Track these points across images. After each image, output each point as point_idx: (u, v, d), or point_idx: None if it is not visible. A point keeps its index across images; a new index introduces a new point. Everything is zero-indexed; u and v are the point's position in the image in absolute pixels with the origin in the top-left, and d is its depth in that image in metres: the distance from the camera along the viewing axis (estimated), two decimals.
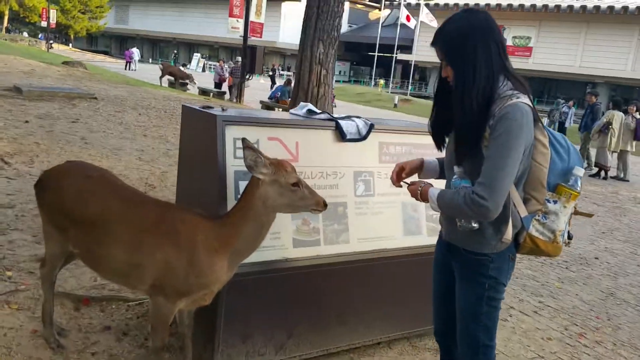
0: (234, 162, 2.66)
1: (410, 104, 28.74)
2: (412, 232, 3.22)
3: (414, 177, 2.36)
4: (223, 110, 2.88)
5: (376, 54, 45.65)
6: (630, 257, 6.10)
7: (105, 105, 10.32)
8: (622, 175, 12.06)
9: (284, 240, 2.76)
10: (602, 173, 11.98)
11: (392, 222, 3.15)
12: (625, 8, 38.69)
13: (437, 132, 2.21)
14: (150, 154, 7.10)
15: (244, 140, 2.29)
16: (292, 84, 18.13)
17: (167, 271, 2.26)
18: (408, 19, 39.54)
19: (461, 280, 2.11)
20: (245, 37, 16.18)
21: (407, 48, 48.76)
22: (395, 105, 27.72)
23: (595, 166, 12.26)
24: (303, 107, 3.18)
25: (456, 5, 43.95)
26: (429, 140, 3.36)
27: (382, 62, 50.02)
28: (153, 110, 10.74)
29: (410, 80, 47.47)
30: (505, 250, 2.01)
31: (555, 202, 1.96)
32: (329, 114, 3.02)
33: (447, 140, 2.20)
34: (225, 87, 21.20)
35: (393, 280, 3.15)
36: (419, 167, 2.34)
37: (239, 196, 2.61)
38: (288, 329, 2.85)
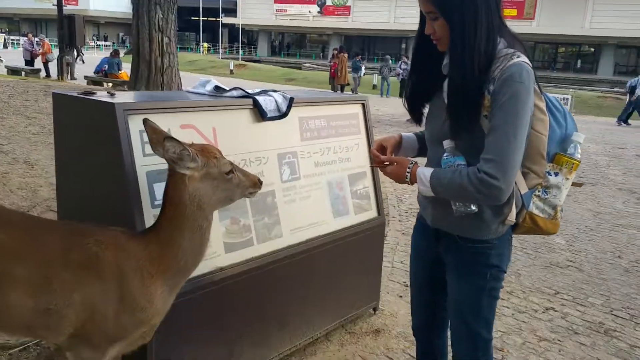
0: (145, 161, 2.10)
1: (246, 69, 28.14)
2: (341, 213, 2.94)
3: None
4: (111, 94, 2.27)
5: (200, 18, 43.78)
6: None
7: None
8: None
9: (215, 247, 2.30)
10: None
11: (320, 206, 2.83)
12: None
13: (415, 103, 1.92)
14: None
15: (146, 122, 1.80)
16: (121, 55, 16.55)
17: (91, 314, 1.70)
18: None
19: (457, 272, 1.87)
20: (60, 5, 14.10)
21: (231, 11, 47.58)
22: (232, 72, 26.93)
23: None
24: (205, 84, 2.66)
25: None
26: (347, 109, 3.13)
27: (207, 27, 48.29)
28: None
29: (240, 45, 46.54)
30: (506, 233, 1.81)
31: (556, 174, 1.77)
32: (242, 89, 2.56)
33: (425, 111, 1.92)
34: (38, 63, 18.55)
35: (328, 267, 2.87)
36: (399, 144, 2.03)
37: (159, 202, 2.10)
38: (229, 348, 2.43)
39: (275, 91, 2.66)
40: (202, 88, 2.66)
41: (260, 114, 2.51)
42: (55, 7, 14.54)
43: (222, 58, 38.75)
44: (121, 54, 17.44)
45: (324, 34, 52.39)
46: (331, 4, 49.03)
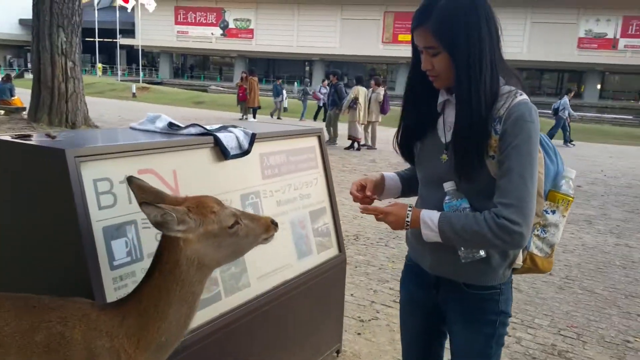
0: (100, 215, 1.80)
1: (149, 92, 26.98)
2: (304, 253, 2.75)
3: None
4: (51, 137, 1.94)
5: (96, 39, 41.70)
6: None
7: None
8: (370, 144, 13.40)
9: None
10: (355, 144, 13.10)
11: (285, 247, 2.63)
12: None
13: (408, 143, 1.80)
14: None
15: (131, 181, 1.57)
16: (12, 80, 15.23)
17: None
18: (126, 0, 37.13)
19: (464, 321, 1.75)
20: None
21: (129, 32, 45.79)
22: (134, 95, 25.72)
23: (348, 139, 13.31)
24: (154, 120, 2.38)
25: None
26: (304, 142, 2.96)
27: (103, 48, 46.13)
28: None
29: (140, 67, 44.81)
30: (510, 276, 1.73)
31: (553, 212, 1.71)
32: (200, 125, 2.31)
33: (416, 151, 1.81)
34: None
35: (295, 313, 2.66)
36: (380, 185, 1.90)
37: (118, 262, 1.81)
38: None
39: (234, 127, 2.44)
40: (150, 125, 2.38)
41: (222, 152, 2.28)
42: None
43: (121, 80, 37.03)
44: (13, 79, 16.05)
45: (228, 56, 51.98)
46: (234, 27, 48.83)
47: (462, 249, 1.63)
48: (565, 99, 16.47)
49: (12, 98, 14.27)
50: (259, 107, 18.34)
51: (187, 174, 2.14)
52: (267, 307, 2.41)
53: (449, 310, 1.78)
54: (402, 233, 1.83)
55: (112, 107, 19.96)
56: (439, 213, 1.61)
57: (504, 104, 1.54)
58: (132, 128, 2.43)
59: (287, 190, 2.70)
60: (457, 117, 1.59)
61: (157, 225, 1.44)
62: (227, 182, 2.33)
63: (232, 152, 2.32)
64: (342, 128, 13.63)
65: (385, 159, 11.64)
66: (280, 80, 21.01)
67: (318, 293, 2.81)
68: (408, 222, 1.64)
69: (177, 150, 2.11)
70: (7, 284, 1.93)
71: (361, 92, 12.81)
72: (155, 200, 1.53)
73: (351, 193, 1.84)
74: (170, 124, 2.31)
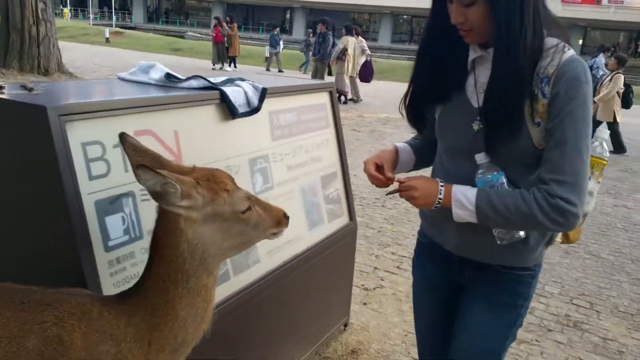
0: (92, 187, 1.48)
1: (123, 37, 25.67)
2: (315, 223, 2.49)
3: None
4: (28, 89, 1.60)
5: None
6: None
7: None
8: (356, 98, 13.02)
9: None
10: (342, 98, 12.69)
11: (296, 217, 2.35)
12: None
13: (420, 107, 1.56)
14: None
15: (123, 138, 1.29)
16: None
17: None
18: None
19: (490, 304, 1.55)
20: None
21: None
22: (108, 40, 24.49)
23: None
24: (148, 70, 2.04)
25: None
26: (315, 99, 2.63)
27: None
28: None
29: (113, 11, 42.77)
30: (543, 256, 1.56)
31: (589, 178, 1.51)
32: (203, 78, 1.97)
33: (427, 117, 1.58)
34: None
35: (304, 289, 2.42)
36: (395, 160, 1.66)
37: (114, 242, 1.52)
38: None
39: (242, 79, 2.11)
40: (144, 75, 2.03)
41: (230, 110, 1.96)
42: None
43: (92, 24, 35.29)
44: None
45: (206, 1, 50.03)
46: None
47: (498, 230, 1.43)
48: (601, 57, 13.24)
49: None
50: (236, 56, 17.53)
51: (190, 136, 1.82)
52: (277, 285, 2.16)
53: (473, 292, 1.59)
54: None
55: (85, 52, 18.98)
56: (475, 189, 1.38)
57: (551, 61, 1.31)
58: (120, 79, 2.09)
59: (297, 153, 2.40)
60: (493, 74, 1.35)
61: (156, 196, 1.16)
62: (234, 145, 2.02)
63: (241, 110, 2.00)
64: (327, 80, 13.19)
65: (374, 113, 11.33)
66: (277, 29, 19.09)
67: (329, 265, 2.57)
68: (440, 199, 1.40)
69: (178, 108, 1.79)
70: None
71: (350, 42, 12.31)
72: (154, 164, 1.24)
73: (371, 175, 1.56)
74: (168, 75, 1.97)
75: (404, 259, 3.98)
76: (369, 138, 8.76)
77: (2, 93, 1.51)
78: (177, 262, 1.22)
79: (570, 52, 1.32)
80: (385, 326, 3.01)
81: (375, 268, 3.80)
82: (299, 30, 44.89)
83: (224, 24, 17.42)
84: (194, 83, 1.95)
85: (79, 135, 1.45)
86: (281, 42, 18.85)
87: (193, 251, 1.23)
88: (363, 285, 3.50)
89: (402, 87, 1.60)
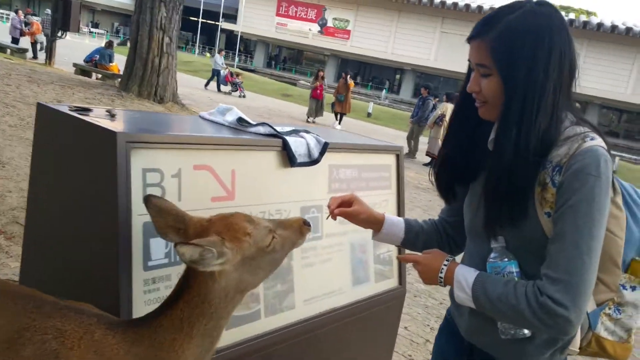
0: (143, 209, 1.62)
1: (242, 77, 27.57)
2: (361, 281, 2.49)
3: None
4: (112, 115, 1.80)
5: (200, 19, 43.30)
6: None
7: None
8: None
9: None
10: (433, 162, 12.61)
11: (341, 271, 2.38)
12: (431, 1, 42.13)
13: (448, 178, 1.54)
14: None
15: (149, 201, 1.38)
16: (114, 46, 15.97)
17: None
18: None
19: None
20: None
21: (232, 17, 47.22)
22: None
23: (426, 155, 12.87)
24: (225, 112, 2.21)
25: None
26: (380, 159, 2.69)
27: (205, 29, 47.83)
28: None
29: (237, 52, 46.09)
30: None
31: (633, 288, 1.36)
32: (269, 125, 2.11)
33: (458, 190, 1.55)
34: (25, 43, 17.81)
35: (339, 346, 2.40)
36: (375, 224, 1.71)
37: (154, 263, 1.64)
38: None
39: (307, 132, 2.22)
40: (220, 117, 2.21)
41: (289, 158, 2.06)
42: None
43: None
44: (115, 45, 16.87)
45: (322, 54, 52.35)
46: (332, 26, 49.05)
47: (503, 323, 1.36)
48: None
49: (111, 64, 14.96)
50: (345, 114, 16.82)
51: (247, 176, 1.94)
52: (311, 333, 2.18)
53: None
54: None
55: (202, 86, 20.51)
56: (477, 273, 1.33)
57: (568, 150, 1.24)
58: (201, 117, 2.28)
59: None
60: (494, 157, 1.30)
61: (193, 263, 1.22)
62: (288, 191, 2.12)
63: (300, 160, 2.10)
64: (422, 142, 13.19)
65: None
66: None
67: (370, 325, 2.54)
68: (441, 278, 1.37)
69: (238, 149, 1.92)
70: (32, 236, 1.82)
71: (449, 109, 12.31)
72: (176, 223, 1.33)
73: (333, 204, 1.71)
74: (240, 119, 2.13)
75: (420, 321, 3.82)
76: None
77: (87, 115, 1.72)
78: (204, 307, 1.29)
79: (591, 143, 1.23)
80: None
81: (427, 340, 3.68)
82: (406, 92, 45.53)
83: (320, 76, 17.15)
84: (261, 129, 2.09)
85: (142, 162, 1.61)
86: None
87: (226, 295, 1.30)
88: (410, 356, 3.40)
89: None
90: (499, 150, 1.29)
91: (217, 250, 1.24)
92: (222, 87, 21.13)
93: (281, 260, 1.47)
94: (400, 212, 2.72)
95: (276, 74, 45.60)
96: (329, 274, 2.31)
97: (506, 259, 1.34)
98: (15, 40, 18.22)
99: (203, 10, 42.69)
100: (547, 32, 1.24)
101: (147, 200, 1.38)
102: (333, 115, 16.77)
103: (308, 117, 17.11)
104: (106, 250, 1.58)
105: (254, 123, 2.12)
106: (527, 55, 1.23)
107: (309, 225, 1.50)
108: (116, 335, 1.28)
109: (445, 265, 1.37)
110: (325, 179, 2.30)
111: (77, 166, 1.71)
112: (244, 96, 20.29)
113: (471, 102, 1.38)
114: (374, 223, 1.68)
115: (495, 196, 1.30)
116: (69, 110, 1.74)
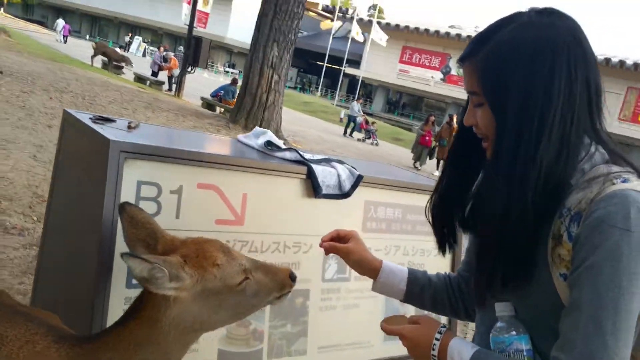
0: None
1: (376, 126, 28.09)
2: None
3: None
4: (131, 127, 1.77)
5: (325, 64, 45.04)
6: None
7: (11, 83, 8.62)
8: None
9: (205, 354, 1.68)
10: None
11: (370, 321, 2.13)
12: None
13: (444, 224, 1.26)
14: (50, 152, 5.63)
15: (122, 207, 1.27)
16: (237, 84, 17.01)
17: None
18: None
19: None
20: (190, 26, 14.76)
21: (355, 63, 48.50)
22: (341, 120, 26.91)
23: None
24: (259, 135, 2.11)
25: (407, 27, 44.30)
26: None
27: (329, 74, 49.58)
28: (69, 95, 9.09)
29: (356, 96, 47.11)
30: None
31: None
32: (297, 152, 1.97)
33: (458, 238, 1.30)
34: (162, 76, 19.64)
35: None
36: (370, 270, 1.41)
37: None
38: None
39: (341, 162, 2.05)
40: (254, 139, 2.11)
41: (313, 188, 1.90)
42: (198, 29, 15.27)
43: (336, 105, 39.28)
44: (239, 83, 17.96)
45: (443, 101, 51.76)
46: (455, 74, 48.44)
47: None
48: None
49: (233, 100, 15.89)
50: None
51: (261, 201, 1.80)
52: None
53: None
54: None
55: (317, 126, 21.04)
56: (474, 350, 1.04)
57: (589, 194, 0.94)
58: (238, 140, 2.21)
59: (392, 252, 2.20)
60: (485, 210, 1.03)
61: (143, 281, 1.11)
62: (311, 223, 1.94)
63: (325, 191, 1.92)
64: None
65: None
66: None
67: None
68: (434, 355, 1.08)
69: (253, 172, 1.79)
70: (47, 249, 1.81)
71: None
72: (148, 238, 1.22)
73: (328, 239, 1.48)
74: (268, 143, 2.02)
75: None
76: None
77: (102, 124, 1.71)
78: (152, 332, 1.17)
79: (621, 186, 0.92)
80: None
81: None
82: None
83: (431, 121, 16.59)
84: (287, 154, 1.95)
85: (137, 173, 1.55)
86: None
87: (176, 327, 1.18)
88: None
89: None
90: (487, 196, 1.03)
91: (170, 272, 1.11)
92: (356, 134, 21.12)
93: (253, 307, 1.29)
94: (454, 266, 2.41)
95: (394, 119, 45.68)
96: (355, 322, 2.07)
97: (514, 332, 1.05)
98: (154, 74, 20.13)
99: (329, 55, 44.37)
100: (549, 48, 0.96)
101: (122, 207, 1.29)
102: (435, 161, 15.97)
103: (414, 163, 16.68)
104: (89, 261, 1.52)
105: (283, 147, 2.00)
106: (520, 78, 0.96)
107: (294, 280, 1.31)
108: (60, 349, 1.19)
109: (437, 339, 1.10)
110: (359, 216, 2.09)
111: (80, 172, 1.71)
112: (376, 144, 20.26)
113: (472, 135, 1.12)
114: (367, 269, 1.41)
115: (485, 254, 1.04)
116: (89, 118, 1.73)
